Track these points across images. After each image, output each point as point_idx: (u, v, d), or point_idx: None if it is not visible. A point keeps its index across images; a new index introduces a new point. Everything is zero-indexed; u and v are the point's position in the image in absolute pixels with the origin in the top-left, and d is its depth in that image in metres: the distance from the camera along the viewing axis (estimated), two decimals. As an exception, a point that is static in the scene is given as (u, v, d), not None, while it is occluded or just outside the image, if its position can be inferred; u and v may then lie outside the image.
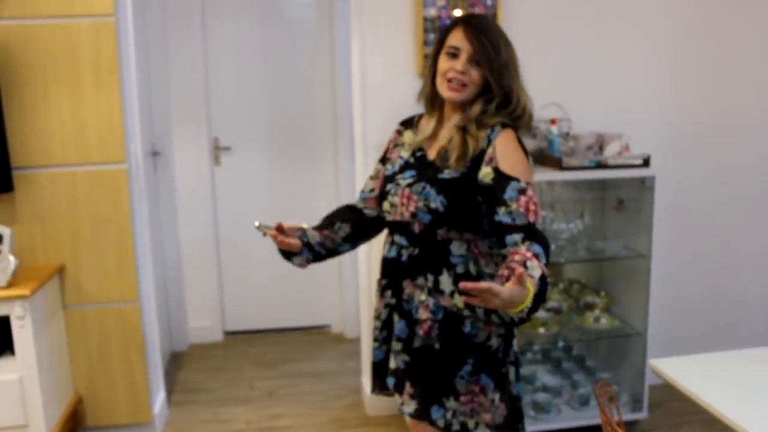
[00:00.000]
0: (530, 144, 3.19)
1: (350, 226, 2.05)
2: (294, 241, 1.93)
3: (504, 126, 1.84)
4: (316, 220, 2.08)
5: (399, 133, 2.08)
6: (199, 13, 4.24)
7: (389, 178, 1.96)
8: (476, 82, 1.83)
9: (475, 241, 1.85)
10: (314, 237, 1.99)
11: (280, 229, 1.92)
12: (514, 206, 1.71)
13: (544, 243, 1.68)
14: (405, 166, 1.95)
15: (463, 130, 1.85)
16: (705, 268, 3.61)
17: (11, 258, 2.65)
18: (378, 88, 3.20)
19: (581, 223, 3.19)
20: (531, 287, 1.51)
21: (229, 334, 4.62)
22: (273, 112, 4.47)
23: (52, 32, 2.83)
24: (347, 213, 2.09)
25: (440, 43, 1.90)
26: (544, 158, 3.09)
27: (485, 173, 1.78)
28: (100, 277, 3.00)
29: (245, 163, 4.48)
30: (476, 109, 1.84)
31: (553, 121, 3.07)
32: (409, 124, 2.08)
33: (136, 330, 3.09)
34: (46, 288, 2.82)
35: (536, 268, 1.57)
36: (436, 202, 1.80)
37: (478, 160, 1.80)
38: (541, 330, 3.16)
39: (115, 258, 3.00)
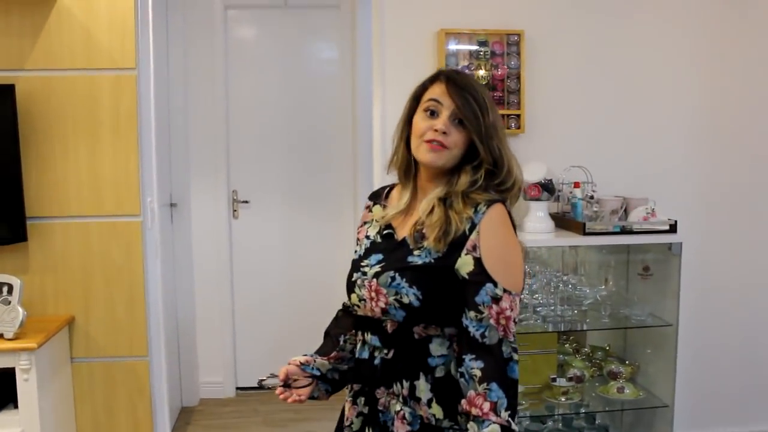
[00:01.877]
0: (553, 208, 3.13)
1: (355, 335, 1.73)
2: (305, 392, 1.67)
3: (491, 204, 1.54)
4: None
5: (368, 209, 1.77)
6: (222, 66, 4.27)
7: (354, 264, 1.66)
8: (459, 145, 1.55)
9: (457, 336, 1.55)
10: (324, 366, 1.70)
11: (285, 382, 1.66)
12: (485, 314, 1.47)
13: (504, 378, 1.46)
14: (370, 249, 1.66)
15: (444, 203, 1.56)
16: (734, 337, 3.46)
17: (20, 309, 2.60)
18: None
19: (605, 289, 3.09)
20: None
21: (241, 389, 4.52)
22: (293, 165, 4.46)
23: (74, 84, 2.84)
24: (347, 320, 1.76)
25: (416, 100, 1.62)
26: (566, 222, 3.02)
27: (464, 263, 1.50)
28: (110, 331, 2.94)
29: (264, 216, 4.45)
30: (464, 180, 1.55)
31: (576, 185, 3.01)
32: (378, 197, 1.77)
33: (144, 385, 3.02)
34: (54, 340, 2.76)
35: (493, 426, 1.42)
36: (409, 295, 1.50)
37: (457, 244, 1.51)
38: (562, 399, 3.03)
39: (126, 311, 2.95)
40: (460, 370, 1.50)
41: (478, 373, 1.45)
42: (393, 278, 1.53)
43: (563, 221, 3.05)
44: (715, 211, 3.39)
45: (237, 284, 4.44)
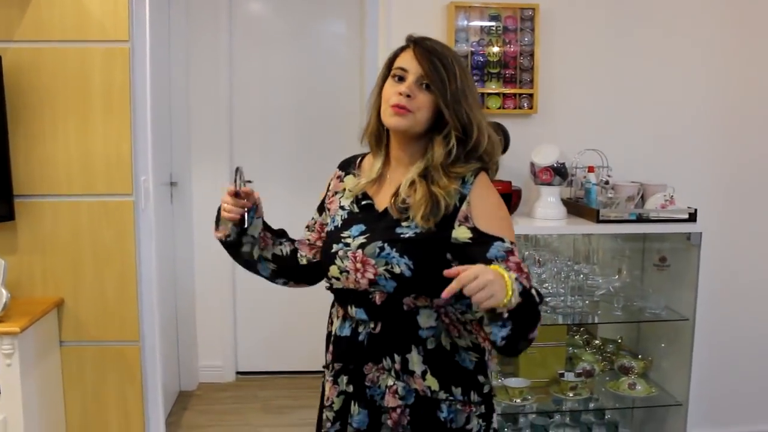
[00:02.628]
0: (566, 193, 2.98)
1: (291, 251, 1.76)
2: (237, 215, 1.66)
3: (476, 173, 1.56)
4: None
5: (339, 179, 1.75)
6: (226, 43, 4.12)
7: (332, 236, 1.64)
8: (424, 108, 1.53)
9: (445, 307, 1.56)
10: (255, 228, 1.70)
11: (237, 192, 1.66)
12: (503, 267, 1.41)
13: (539, 296, 1.43)
14: (349, 220, 1.63)
15: (425, 178, 1.54)
16: (753, 333, 3.30)
17: (3, 291, 2.50)
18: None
19: (619, 280, 2.94)
20: (503, 273, 1.28)
21: (241, 374, 4.42)
22: (298, 146, 4.32)
23: (64, 56, 2.71)
24: (293, 243, 1.80)
25: (387, 68, 1.61)
26: (579, 209, 2.87)
27: (461, 233, 1.51)
28: (100, 314, 2.84)
29: (267, 197, 4.21)
30: (439, 152, 1.54)
31: (591, 169, 2.85)
32: (350, 166, 1.76)
33: (135, 372, 2.91)
34: (41, 323, 2.65)
35: (510, 271, 1.35)
36: (400, 265, 1.49)
37: (449, 217, 1.51)
38: (570, 394, 2.90)
39: (116, 295, 2.84)
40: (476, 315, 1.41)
41: None
42: (382, 248, 1.52)
43: (576, 207, 2.90)
44: (737, 200, 3.22)
45: (238, 267, 4.30)
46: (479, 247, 1.48)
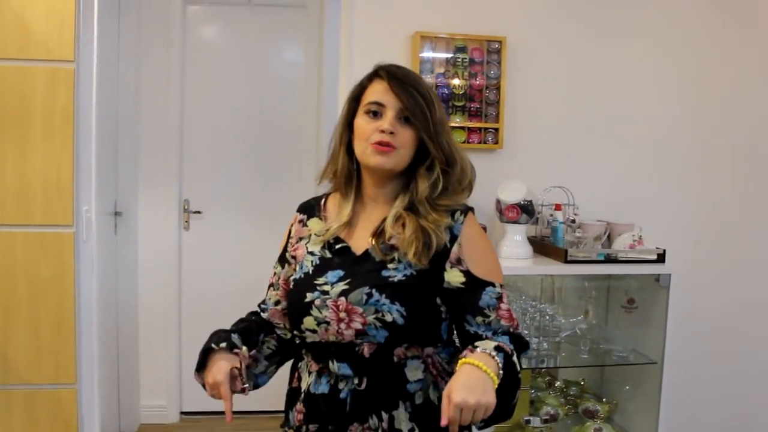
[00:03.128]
0: (531, 231, 2.89)
1: (276, 339, 1.59)
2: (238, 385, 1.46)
3: (465, 212, 1.49)
4: None
5: (302, 223, 1.61)
6: (178, 66, 3.97)
7: (302, 283, 1.49)
8: (408, 144, 1.44)
9: (432, 356, 1.47)
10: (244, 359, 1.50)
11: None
12: (493, 316, 1.42)
13: (520, 342, 1.41)
14: (323, 266, 1.49)
15: (412, 212, 1.45)
16: (721, 376, 3.23)
17: (-75, 331, 2.27)
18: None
19: (585, 321, 2.85)
20: (476, 361, 1.25)
21: (186, 414, 4.19)
22: (251, 175, 4.16)
23: (3, 75, 2.50)
24: (265, 324, 1.60)
25: (355, 101, 1.50)
26: (546, 248, 2.78)
27: (453, 277, 1.44)
28: (33, 355, 2.60)
29: (217, 228, 4.14)
30: (423, 185, 1.45)
31: (558, 207, 2.77)
32: (312, 209, 1.62)
33: (71, 417, 2.67)
34: (-34, 366, 2.42)
35: (488, 343, 1.32)
36: (392, 312, 1.38)
37: (439, 256, 1.43)
38: (535, 441, 2.78)
39: (52, 333, 2.60)
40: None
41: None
42: (369, 294, 1.40)
43: (542, 246, 2.81)
44: (704, 241, 3.16)
45: (185, 301, 4.11)
46: (471, 294, 1.42)
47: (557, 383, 3.07)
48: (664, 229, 3.00)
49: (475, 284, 1.42)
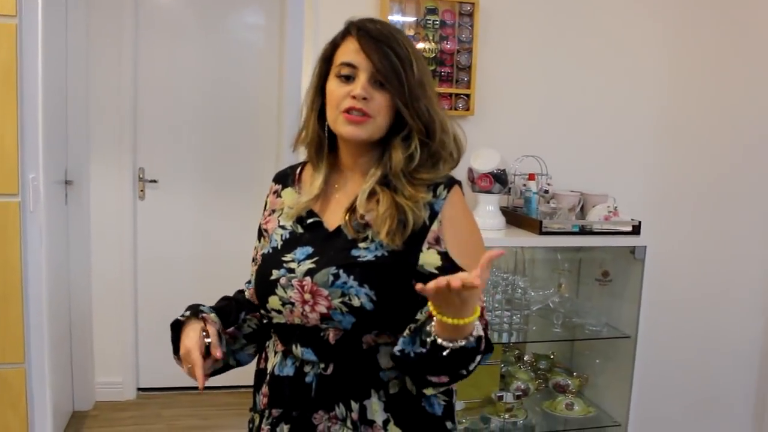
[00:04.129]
0: (503, 201, 2.80)
1: (259, 319, 1.46)
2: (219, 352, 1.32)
3: (449, 186, 1.33)
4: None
5: (276, 194, 1.49)
6: (131, 27, 3.76)
7: (270, 259, 1.36)
8: (384, 110, 1.30)
9: None
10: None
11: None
12: None
13: (487, 346, 1.23)
14: (292, 241, 1.36)
15: (388, 187, 1.31)
16: (691, 351, 3.21)
17: None
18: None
19: (557, 294, 2.78)
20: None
21: (143, 391, 4.05)
22: (209, 143, 3.99)
23: (-62, 30, 2.31)
24: (247, 303, 1.48)
25: (326, 62, 1.36)
26: (519, 219, 2.69)
27: (429, 258, 1.28)
28: (-23, 334, 2.44)
29: (174, 198, 3.97)
30: (398, 157, 1.30)
31: (532, 177, 2.68)
32: (287, 179, 1.50)
33: (19, 398, 2.52)
34: None
35: (479, 328, 1.18)
36: (360, 296, 1.24)
37: (417, 235, 1.28)
38: (505, 417, 2.72)
39: (-3, 310, 2.45)
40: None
41: None
42: (336, 275, 1.26)
43: (515, 217, 2.72)
44: (677, 214, 3.11)
45: (141, 274, 3.95)
46: None
47: (526, 357, 3.01)
48: (636, 200, 2.94)
49: (450, 271, 1.22)
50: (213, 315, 1.35)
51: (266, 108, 4.00)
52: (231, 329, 1.41)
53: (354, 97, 1.28)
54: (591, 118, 3.00)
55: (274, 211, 1.46)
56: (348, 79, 1.30)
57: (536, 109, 2.95)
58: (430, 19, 2.77)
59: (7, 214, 2.41)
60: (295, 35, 3.69)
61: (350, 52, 1.31)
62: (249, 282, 1.50)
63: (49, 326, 2.73)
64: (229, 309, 1.43)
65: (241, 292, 1.53)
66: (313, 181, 1.40)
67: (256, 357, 1.49)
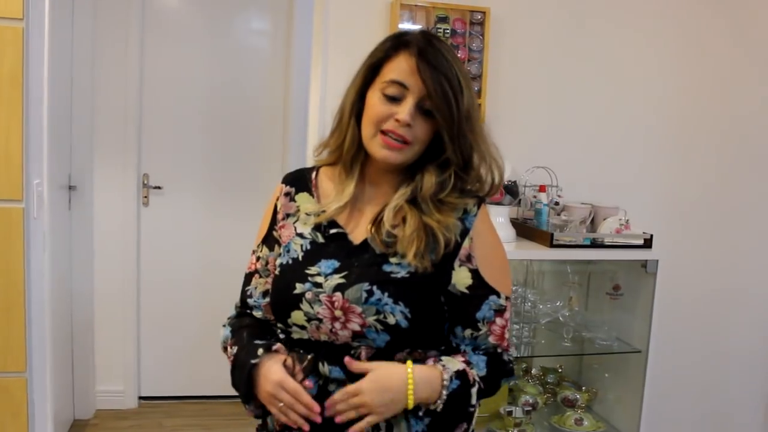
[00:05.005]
0: (513, 213, 2.77)
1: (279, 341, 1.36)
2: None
3: (479, 203, 1.32)
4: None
5: (289, 197, 1.40)
6: (137, 33, 3.72)
7: (291, 271, 1.29)
8: (423, 139, 1.26)
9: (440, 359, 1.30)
10: None
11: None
12: (483, 330, 1.27)
13: (499, 367, 1.26)
14: (314, 252, 1.29)
15: (415, 206, 1.27)
16: (701, 366, 3.17)
17: None
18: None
19: (567, 307, 2.74)
20: (409, 381, 1.19)
21: (145, 399, 4.00)
22: (214, 150, 3.95)
23: (-56, 33, 2.28)
24: (264, 324, 1.38)
25: (372, 70, 1.29)
26: (529, 231, 2.66)
27: (461, 277, 1.27)
28: (-22, 341, 2.40)
29: (178, 205, 3.93)
30: (429, 182, 1.27)
31: (542, 188, 2.65)
32: (300, 182, 1.41)
33: (21, 408, 2.48)
34: None
35: (454, 363, 1.21)
36: (396, 313, 1.21)
37: (448, 256, 1.26)
38: (514, 431, 2.67)
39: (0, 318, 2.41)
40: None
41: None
42: (370, 292, 1.22)
43: (525, 229, 2.69)
44: (688, 228, 3.08)
45: (144, 281, 3.91)
46: (472, 302, 1.27)
47: (534, 371, 2.97)
48: (647, 213, 2.90)
49: (480, 289, 1.27)
50: (279, 345, 1.29)
51: (272, 115, 3.96)
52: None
53: (398, 121, 1.23)
54: (602, 130, 2.98)
55: (288, 215, 1.38)
56: (393, 99, 1.25)
57: (547, 120, 2.92)
58: (440, 28, 2.75)
59: (10, 220, 2.37)
60: (302, 41, 3.66)
61: (403, 71, 1.24)
62: (250, 298, 1.39)
63: (51, 335, 2.70)
64: (262, 333, 1.36)
65: (244, 316, 1.42)
66: (343, 189, 1.33)
67: None
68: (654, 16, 2.98)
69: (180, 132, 3.91)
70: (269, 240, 1.39)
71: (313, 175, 1.41)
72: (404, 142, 1.24)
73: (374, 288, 1.22)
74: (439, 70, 1.22)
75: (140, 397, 3.99)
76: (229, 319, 1.44)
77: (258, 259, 1.39)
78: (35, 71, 2.43)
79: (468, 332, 1.27)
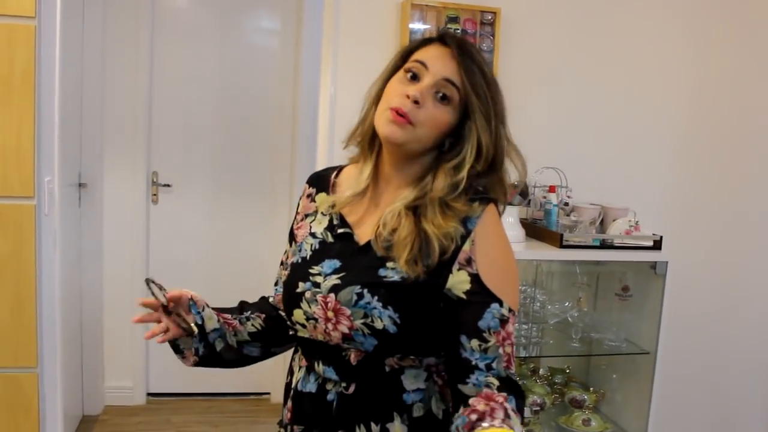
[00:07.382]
0: (522, 213, 2.76)
1: (264, 320, 1.43)
2: (174, 333, 1.36)
3: (485, 203, 1.23)
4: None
5: (310, 197, 1.40)
6: (147, 31, 3.74)
7: (298, 270, 1.29)
8: (431, 125, 1.20)
9: (437, 366, 1.25)
10: (211, 319, 1.36)
11: (166, 306, 1.38)
12: (491, 342, 1.15)
13: (521, 397, 1.15)
14: (321, 251, 1.29)
15: (414, 211, 1.22)
16: (708, 368, 3.17)
17: None
18: (349, 126, 2.73)
19: (576, 308, 2.74)
20: None
21: (153, 396, 4.02)
22: (223, 148, 3.97)
23: (-43, 31, 2.30)
24: (265, 304, 1.47)
25: (403, 59, 1.27)
26: (538, 231, 2.66)
27: (459, 281, 1.18)
28: (-10, 337, 2.42)
29: (187, 203, 3.95)
30: (441, 184, 1.21)
31: (552, 189, 2.65)
32: (321, 183, 1.40)
33: (32, 402, 2.50)
34: None
35: (518, 425, 1.08)
36: (383, 318, 1.17)
37: (446, 262, 1.19)
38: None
39: (11, 314, 2.42)
40: (468, 382, 1.15)
41: (495, 383, 1.13)
42: (360, 295, 1.19)
43: (534, 229, 2.69)
44: (697, 229, 3.08)
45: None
46: (472, 309, 1.16)
47: (541, 371, 2.97)
48: (657, 215, 2.90)
49: (480, 296, 1.16)
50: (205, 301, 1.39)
51: (281, 113, 3.97)
52: (233, 321, 1.41)
53: (407, 97, 1.19)
54: (612, 131, 2.97)
55: (307, 215, 1.38)
56: (413, 78, 1.22)
57: (557, 121, 2.92)
58: (451, 28, 2.74)
59: (22, 217, 2.39)
60: (311, 40, 3.66)
61: (430, 55, 1.22)
62: (276, 286, 1.44)
63: (61, 331, 2.71)
64: (233, 308, 1.45)
65: (264, 298, 1.51)
66: (359, 175, 1.31)
67: (288, 370, 1.44)
68: (665, 17, 2.97)
69: (189, 130, 3.92)
70: (291, 235, 1.41)
71: (334, 174, 1.40)
72: (408, 121, 1.19)
73: (365, 291, 1.19)
74: (472, 59, 1.22)
75: (149, 394, 4.01)
76: None
77: (285, 252, 1.42)
78: (47, 69, 2.44)
79: (476, 343, 1.15)
